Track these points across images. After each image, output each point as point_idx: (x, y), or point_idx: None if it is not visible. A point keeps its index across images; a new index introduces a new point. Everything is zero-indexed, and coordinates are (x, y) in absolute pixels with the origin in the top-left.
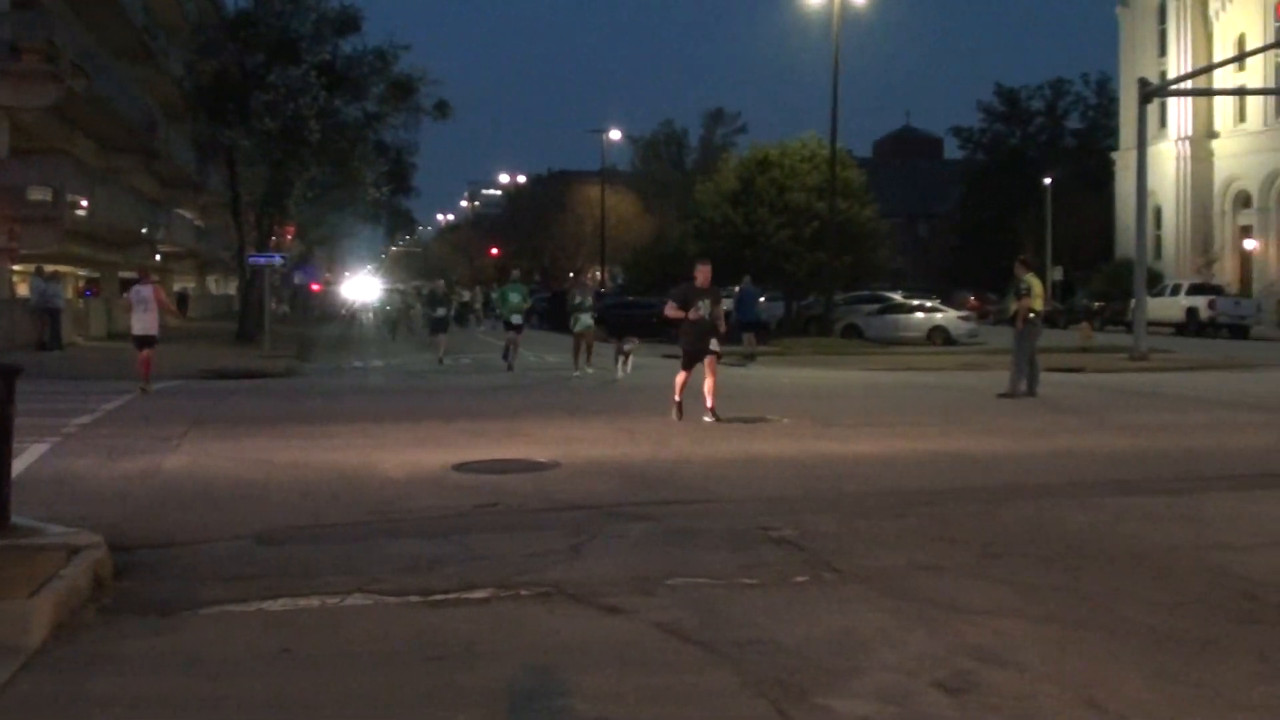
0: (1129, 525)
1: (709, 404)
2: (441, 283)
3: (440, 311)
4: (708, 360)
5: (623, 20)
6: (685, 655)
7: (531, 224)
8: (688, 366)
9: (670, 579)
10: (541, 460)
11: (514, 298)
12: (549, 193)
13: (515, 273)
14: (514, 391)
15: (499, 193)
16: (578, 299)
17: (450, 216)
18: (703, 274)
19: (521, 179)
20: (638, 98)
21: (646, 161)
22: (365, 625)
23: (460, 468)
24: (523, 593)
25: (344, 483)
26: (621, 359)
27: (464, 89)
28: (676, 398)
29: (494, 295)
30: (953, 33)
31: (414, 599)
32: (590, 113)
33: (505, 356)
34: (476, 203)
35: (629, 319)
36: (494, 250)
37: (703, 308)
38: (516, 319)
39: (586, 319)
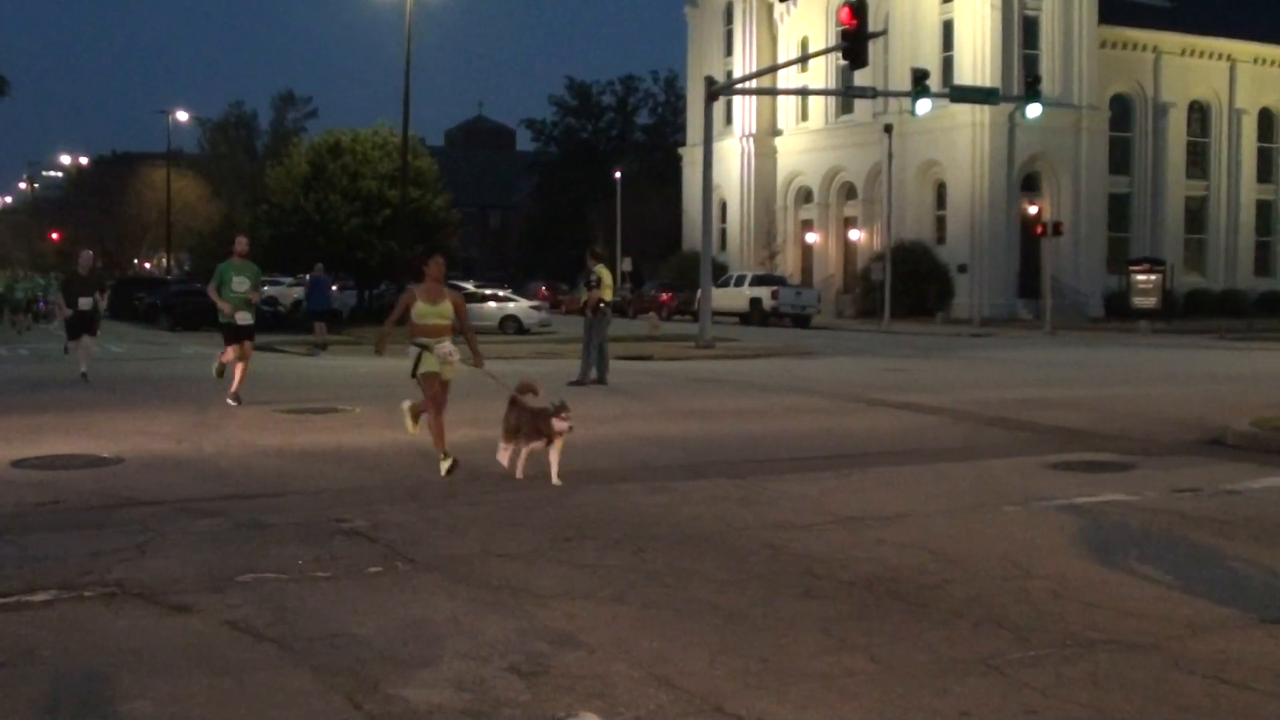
0: (696, 507)
1: None
2: (89, 254)
3: (86, 303)
4: None
5: None
6: (257, 653)
7: (95, 208)
8: None
9: (241, 575)
10: (106, 455)
11: (241, 282)
12: (113, 175)
13: (241, 242)
14: (83, 386)
15: (60, 175)
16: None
17: (8, 199)
18: None
19: (84, 160)
20: (206, 77)
21: (215, 144)
22: None
23: (19, 464)
24: (87, 594)
25: None
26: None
27: (21, 64)
28: None
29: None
30: (525, 24)
31: None
32: (157, 92)
33: (231, 394)
34: (36, 185)
35: (193, 308)
36: (54, 235)
37: None
38: (245, 318)
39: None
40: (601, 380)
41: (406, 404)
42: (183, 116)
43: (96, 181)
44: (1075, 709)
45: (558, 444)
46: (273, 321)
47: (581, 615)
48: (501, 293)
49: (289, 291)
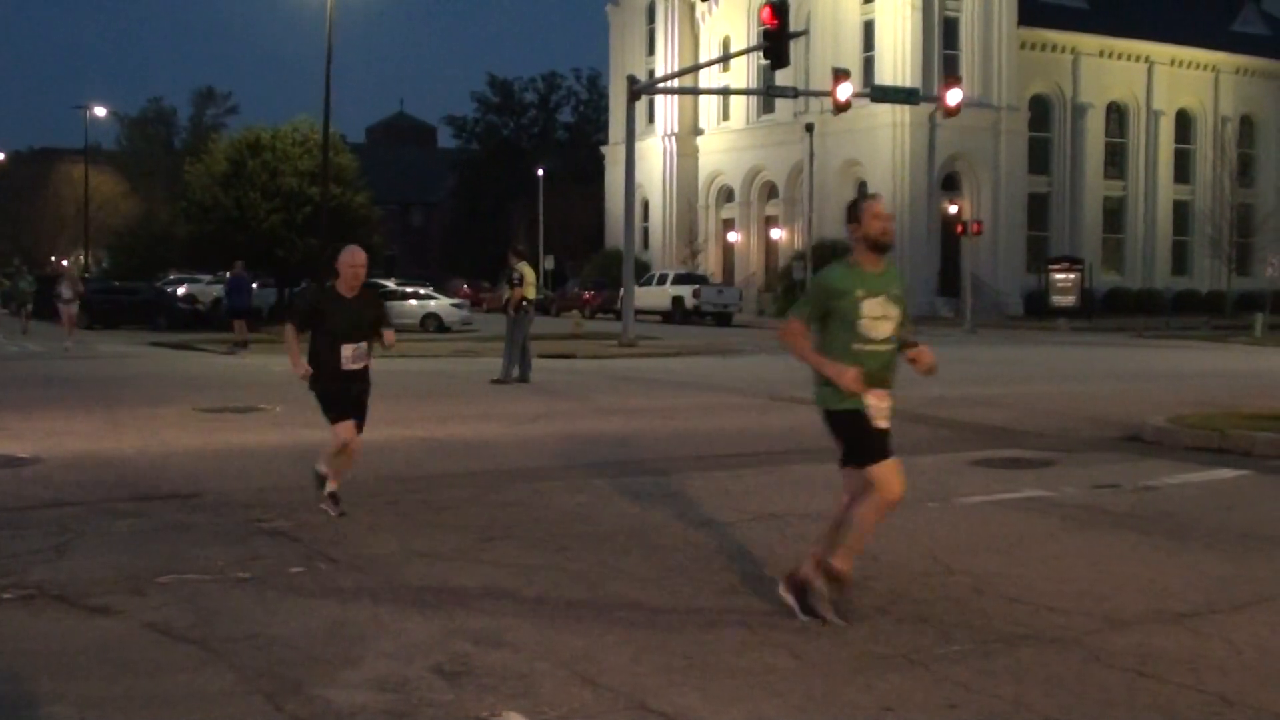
0: (618, 505)
1: None
2: (359, 251)
3: (357, 355)
4: None
5: None
6: (178, 654)
7: (11, 204)
8: None
9: (161, 576)
10: (22, 455)
11: (885, 319)
12: (30, 171)
13: (875, 218)
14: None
15: None
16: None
17: None
18: None
19: (0, 156)
20: (124, 73)
21: (134, 140)
22: None
23: None
24: (5, 596)
25: None
26: None
27: None
28: None
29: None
30: (447, 20)
31: None
32: (74, 87)
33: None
34: None
35: (112, 305)
36: None
37: None
38: (882, 409)
39: None
40: (524, 379)
41: None
42: (100, 112)
43: (12, 177)
44: (997, 703)
45: None
46: (193, 320)
47: (505, 614)
48: (423, 290)
49: (208, 290)
